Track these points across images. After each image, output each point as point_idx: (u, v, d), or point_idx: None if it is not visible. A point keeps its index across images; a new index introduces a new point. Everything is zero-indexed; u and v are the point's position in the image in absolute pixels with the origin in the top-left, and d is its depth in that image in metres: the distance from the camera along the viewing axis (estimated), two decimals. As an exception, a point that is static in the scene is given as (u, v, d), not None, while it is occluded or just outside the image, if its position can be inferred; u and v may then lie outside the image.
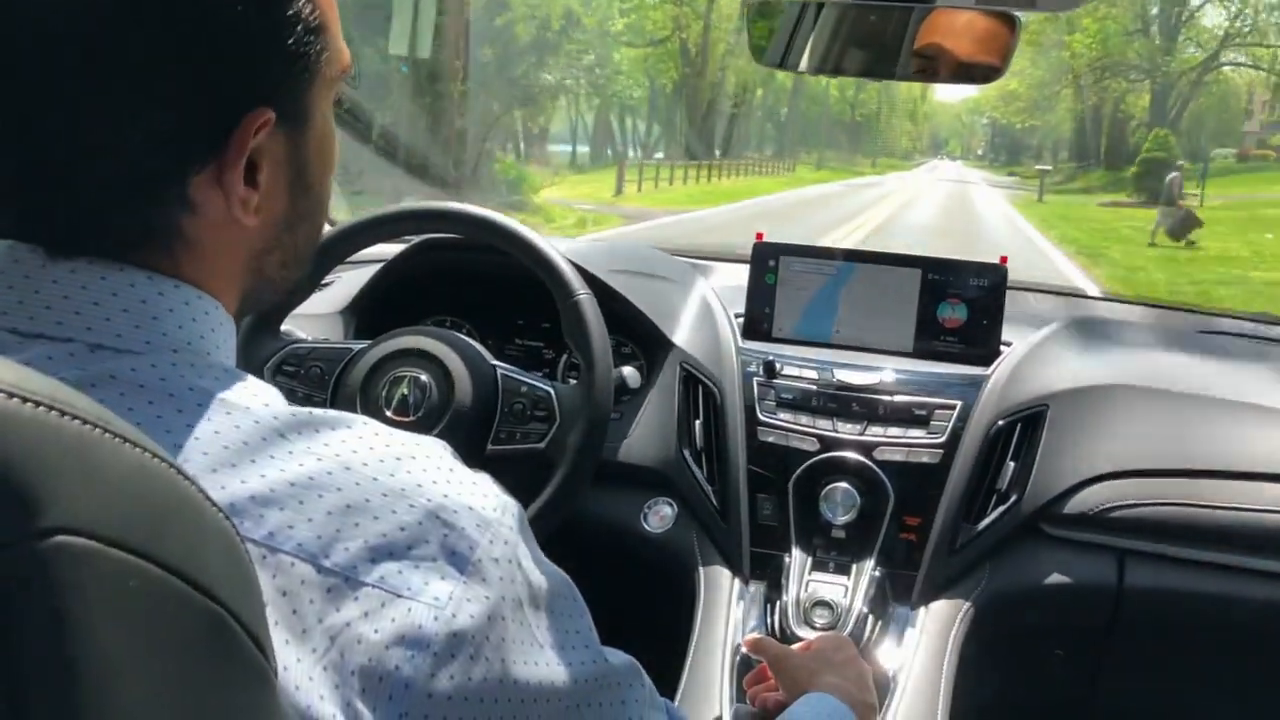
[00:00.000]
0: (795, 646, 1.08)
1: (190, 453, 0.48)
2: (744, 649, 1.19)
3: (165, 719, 0.37)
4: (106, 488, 0.36)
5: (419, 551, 0.50)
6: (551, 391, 1.26)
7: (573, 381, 1.28)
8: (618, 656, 0.61)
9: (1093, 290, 6.59)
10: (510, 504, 0.55)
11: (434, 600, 0.49)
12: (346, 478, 0.50)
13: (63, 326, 0.51)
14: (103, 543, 0.34)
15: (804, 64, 1.27)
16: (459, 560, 0.50)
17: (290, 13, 0.55)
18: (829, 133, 71.14)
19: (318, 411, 0.53)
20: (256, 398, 0.52)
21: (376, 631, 0.48)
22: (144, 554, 0.36)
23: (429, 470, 0.53)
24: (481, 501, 0.53)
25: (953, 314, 1.42)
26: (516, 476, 1.22)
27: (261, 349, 1.28)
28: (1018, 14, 1.07)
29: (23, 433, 0.33)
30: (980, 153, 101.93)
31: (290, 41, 0.55)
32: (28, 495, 0.33)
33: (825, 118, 69.21)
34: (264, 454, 0.50)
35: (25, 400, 0.34)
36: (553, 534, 1.17)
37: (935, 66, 1.18)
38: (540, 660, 0.53)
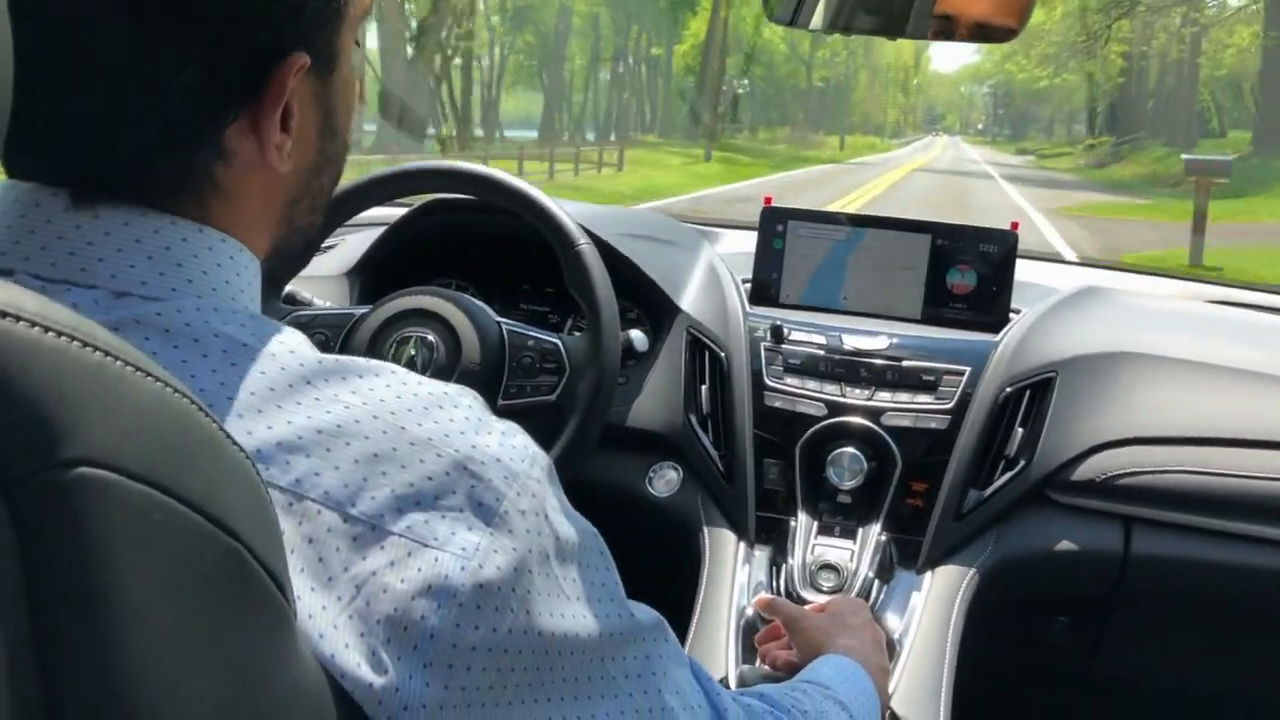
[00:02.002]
0: (808, 607, 1.08)
1: (216, 399, 0.48)
2: (755, 609, 1.20)
3: (185, 651, 0.37)
4: (127, 420, 0.36)
5: (446, 502, 0.49)
6: (559, 343, 1.26)
7: (579, 334, 1.27)
8: (643, 611, 0.61)
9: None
10: (539, 455, 0.55)
11: (461, 551, 0.49)
12: (374, 426, 0.49)
13: (87, 273, 0.51)
14: (124, 475, 0.34)
15: (815, 21, 1.25)
16: (486, 512, 0.50)
17: None
18: (779, 103, 50.71)
19: (345, 359, 0.52)
20: (283, 344, 0.52)
21: (403, 581, 0.47)
22: (164, 488, 0.36)
23: (457, 420, 0.52)
24: (510, 453, 0.53)
25: (962, 280, 1.41)
26: (529, 429, 1.22)
27: None
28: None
29: (45, 362, 0.33)
30: (980, 127, 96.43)
31: None
32: (50, 425, 0.33)
33: (770, 83, 48.30)
34: (291, 401, 0.49)
35: (47, 330, 0.34)
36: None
37: (953, 27, 1.16)
38: (566, 613, 0.53)
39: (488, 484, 0.50)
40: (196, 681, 0.37)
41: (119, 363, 0.36)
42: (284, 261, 1.27)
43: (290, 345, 0.52)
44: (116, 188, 0.52)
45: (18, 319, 0.33)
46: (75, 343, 0.34)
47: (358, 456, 0.48)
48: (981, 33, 1.11)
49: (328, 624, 0.46)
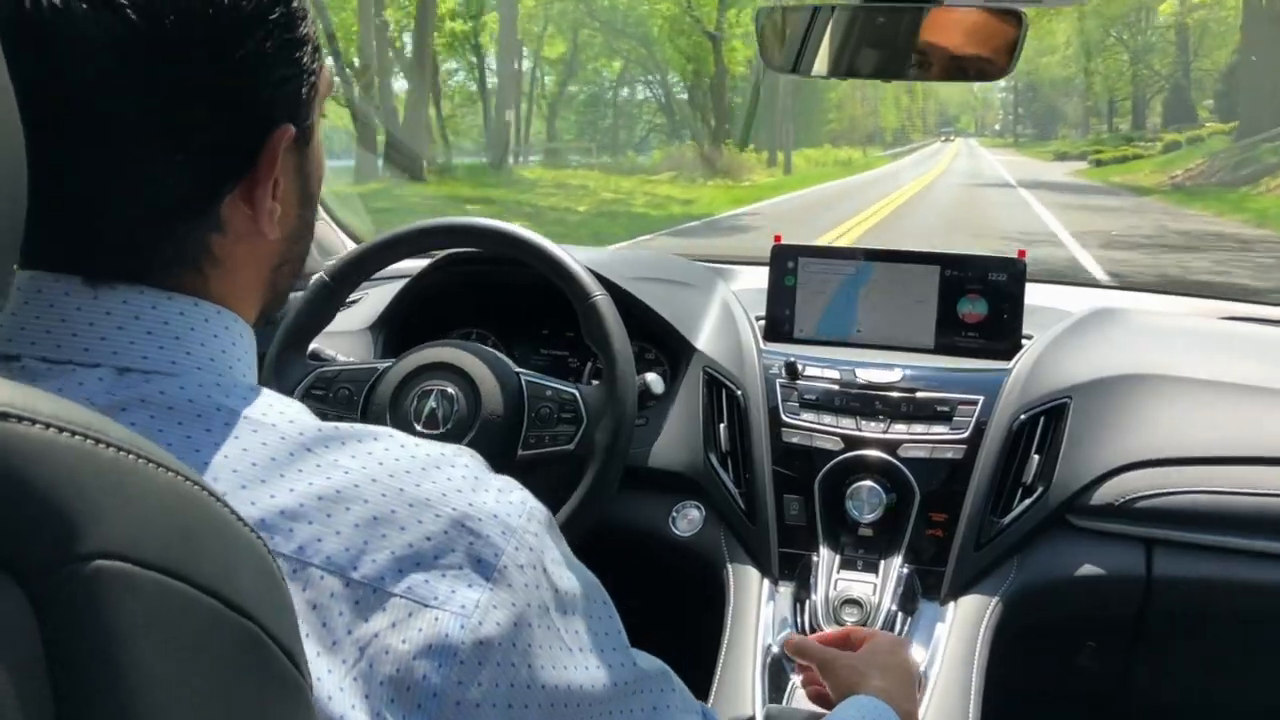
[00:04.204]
0: (833, 632, 1.08)
1: (220, 471, 0.50)
2: (783, 649, 1.20)
3: None
4: (141, 512, 0.37)
5: (445, 560, 0.51)
6: (576, 393, 1.28)
7: (596, 384, 1.30)
8: (648, 661, 0.62)
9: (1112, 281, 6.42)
10: (536, 509, 0.56)
11: (460, 609, 0.50)
12: (373, 489, 0.51)
13: (90, 353, 0.53)
14: (139, 565, 0.36)
15: (818, 67, 1.28)
16: (485, 568, 0.51)
17: (303, 33, 0.57)
18: (677, 113, 30.58)
19: (343, 425, 0.54)
20: (282, 415, 0.54)
21: (404, 642, 0.49)
22: (179, 574, 0.37)
23: (454, 479, 0.54)
24: (506, 509, 0.54)
25: (973, 309, 1.42)
26: (549, 478, 1.25)
27: (291, 374, 1.31)
28: (1023, 9, 1.08)
29: (61, 462, 0.35)
30: (998, 127, 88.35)
31: (304, 60, 0.58)
32: (67, 522, 0.35)
33: (649, 68, 28.73)
34: (292, 469, 0.51)
35: (62, 430, 0.36)
36: (583, 538, 1.20)
37: (931, 64, 1.19)
38: (569, 664, 0.54)
39: (486, 540, 0.52)
40: None
41: (132, 456, 0.38)
42: (310, 320, 1.32)
43: (289, 414, 0.54)
44: (119, 261, 0.54)
45: (34, 422, 0.35)
46: (89, 441, 0.36)
47: (358, 520, 0.50)
48: (962, 69, 1.14)
49: (335, 687, 0.48)
